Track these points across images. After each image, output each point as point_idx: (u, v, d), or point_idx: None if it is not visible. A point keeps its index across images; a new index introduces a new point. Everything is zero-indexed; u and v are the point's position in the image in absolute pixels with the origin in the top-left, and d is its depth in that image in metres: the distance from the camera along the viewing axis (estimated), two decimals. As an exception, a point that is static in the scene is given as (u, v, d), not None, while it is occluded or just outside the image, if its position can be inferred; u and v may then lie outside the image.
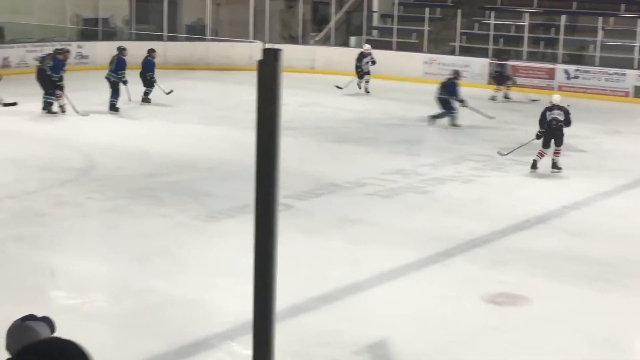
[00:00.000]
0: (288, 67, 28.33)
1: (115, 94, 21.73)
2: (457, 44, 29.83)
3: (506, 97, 25.58)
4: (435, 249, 11.53)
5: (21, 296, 9.26)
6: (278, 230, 2.57)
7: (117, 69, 21.92)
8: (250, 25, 31.99)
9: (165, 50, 30.82)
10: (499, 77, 25.96)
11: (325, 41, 32.33)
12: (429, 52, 29.74)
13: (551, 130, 15.92)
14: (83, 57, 29.66)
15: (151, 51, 23.48)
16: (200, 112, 21.96)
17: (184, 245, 11.50)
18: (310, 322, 8.98)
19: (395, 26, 31.38)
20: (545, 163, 16.00)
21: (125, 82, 22.01)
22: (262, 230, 2.15)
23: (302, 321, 8.93)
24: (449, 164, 16.52)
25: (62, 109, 20.98)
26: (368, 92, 25.77)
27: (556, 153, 16.01)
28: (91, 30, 31.33)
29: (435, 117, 20.69)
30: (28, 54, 27.44)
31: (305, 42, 32.38)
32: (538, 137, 16.09)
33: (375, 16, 33.53)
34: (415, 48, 30.39)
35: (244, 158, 15.94)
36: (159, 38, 31.08)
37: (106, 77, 21.99)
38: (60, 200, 13.31)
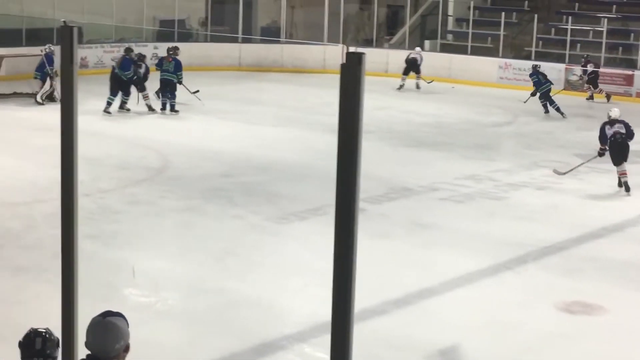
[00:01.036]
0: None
1: (173, 95, 21.88)
2: (532, 48, 29.49)
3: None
4: (507, 255, 11.42)
5: (95, 293, 9.36)
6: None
7: (176, 70, 22.05)
8: (324, 28, 32.05)
9: (240, 52, 31.06)
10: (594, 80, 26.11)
11: (399, 45, 32.23)
12: (503, 56, 29.48)
13: (617, 145, 15.02)
14: (159, 57, 29.97)
15: (175, 49, 23.01)
16: (274, 114, 22.03)
17: (256, 246, 11.56)
18: (383, 326, 8.95)
19: (470, 30, 31.16)
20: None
21: (181, 83, 22.15)
22: (342, 235, 2.14)
23: (374, 324, 8.90)
24: (523, 170, 16.35)
25: (126, 108, 21.49)
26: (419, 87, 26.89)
27: (623, 173, 15.04)
28: (167, 31, 31.66)
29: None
30: (105, 55, 27.87)
31: (379, 45, 32.31)
32: (600, 154, 15.22)
33: (450, 20, 33.34)
34: (490, 52, 30.16)
35: (316, 160, 16.15)
36: (234, 40, 31.30)
37: (165, 79, 22.02)
38: (134, 199, 13.47)
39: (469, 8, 31.69)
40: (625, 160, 14.98)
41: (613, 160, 15.05)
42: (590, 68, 26.09)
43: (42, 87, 22.39)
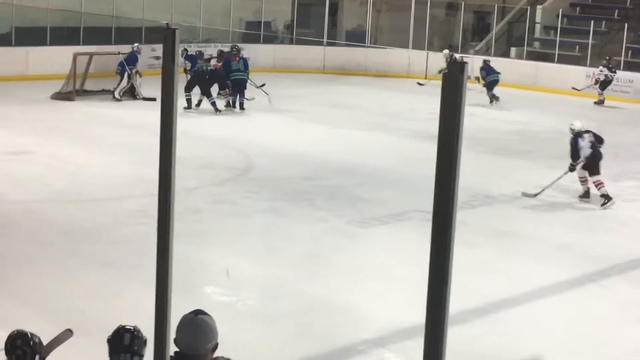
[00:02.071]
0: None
1: (243, 93, 22.15)
2: (622, 58, 29.00)
3: None
4: (592, 267, 11.24)
5: (176, 291, 9.47)
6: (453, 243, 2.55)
7: (245, 68, 22.33)
8: (410, 33, 31.96)
9: (325, 55, 31.15)
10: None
11: (485, 51, 31.99)
12: (591, 65, 29.04)
13: (594, 156, 14.58)
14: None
15: (239, 48, 23.38)
16: (358, 118, 22.03)
17: (337, 250, 11.58)
18: (463, 335, 8.87)
19: (558, 38, 30.76)
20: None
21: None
22: (439, 242, 2.12)
23: (454, 333, 8.75)
24: (610, 181, 16.05)
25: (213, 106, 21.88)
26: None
27: (600, 183, 14.57)
28: (253, 33, 31.93)
29: None
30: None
31: (464, 51, 32.11)
32: (572, 169, 14.67)
33: (538, 27, 32.96)
34: (578, 61, 29.74)
35: (400, 166, 16.14)
36: (319, 43, 31.42)
37: (238, 78, 22.29)
38: (218, 199, 13.60)
39: (557, 16, 31.28)
40: (599, 173, 14.61)
41: (590, 172, 14.64)
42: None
43: (119, 84, 22.90)
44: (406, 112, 23.06)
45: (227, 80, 22.15)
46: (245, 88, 22.21)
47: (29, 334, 5.17)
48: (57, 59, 24.32)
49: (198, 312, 4.38)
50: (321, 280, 10.39)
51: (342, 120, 21.56)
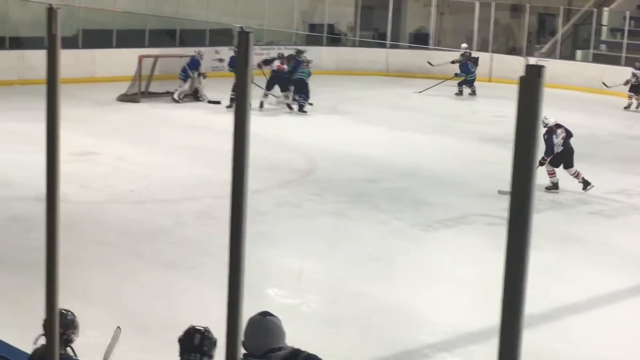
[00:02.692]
0: (508, 79, 27.94)
1: (307, 95, 22.29)
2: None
3: None
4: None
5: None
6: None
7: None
8: (474, 35, 31.74)
9: (387, 57, 31.07)
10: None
11: (550, 54, 31.64)
12: (658, 68, 28.54)
13: (569, 150, 15.02)
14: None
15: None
16: (420, 120, 21.92)
17: (399, 252, 11.55)
18: (528, 339, 8.72)
19: (625, 41, 30.32)
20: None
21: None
22: (514, 247, 2.10)
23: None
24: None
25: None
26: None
27: (577, 174, 15.02)
28: (316, 35, 31.96)
29: None
30: (256, 57, 28.30)
31: (529, 53, 31.79)
32: (542, 164, 14.69)
33: (604, 30, 32.52)
34: (645, 64, 29.25)
35: (463, 169, 16.04)
36: (382, 45, 31.35)
37: (301, 78, 22.42)
38: (281, 201, 13.64)
39: (624, 18, 30.84)
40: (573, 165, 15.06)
41: (565, 166, 15.03)
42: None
43: (181, 87, 23.16)
44: (469, 114, 22.90)
45: (289, 82, 22.35)
46: (308, 89, 22.32)
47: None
48: (123, 61, 24.60)
49: (266, 314, 4.38)
50: (384, 283, 10.36)
51: (404, 122, 21.46)
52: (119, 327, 5.89)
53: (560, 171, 14.99)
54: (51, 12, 3.29)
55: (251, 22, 29.30)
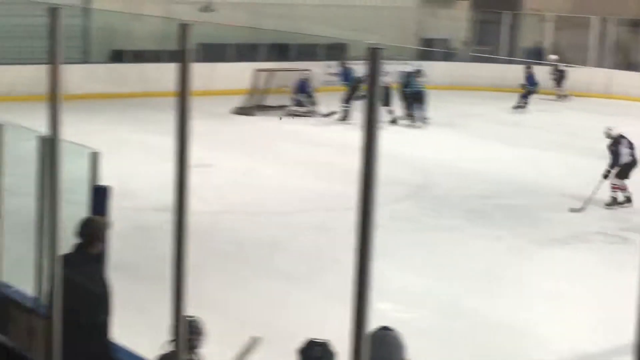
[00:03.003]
0: (624, 95, 27.36)
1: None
2: None
3: None
4: None
5: (348, 302, 9.54)
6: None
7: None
8: (589, 50, 31.18)
9: (503, 72, 30.74)
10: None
11: (671, 69, 30.83)
12: None
13: (634, 161, 14.50)
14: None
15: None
16: (538, 136, 21.58)
17: (515, 269, 11.41)
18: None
19: None
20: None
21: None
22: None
23: None
24: None
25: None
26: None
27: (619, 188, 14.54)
28: (430, 50, 31.85)
29: None
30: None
31: (649, 68, 31.06)
32: (606, 176, 14.42)
33: None
34: None
35: (583, 187, 15.68)
36: (497, 60, 31.04)
37: (420, 91, 22.47)
38: (396, 216, 13.60)
39: None
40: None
41: (624, 176, 14.48)
42: None
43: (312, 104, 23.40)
44: (588, 130, 22.47)
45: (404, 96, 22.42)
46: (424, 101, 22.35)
47: None
48: (239, 74, 24.96)
49: (386, 328, 4.37)
50: (499, 299, 10.25)
51: (520, 138, 21.20)
52: (256, 337, 5.97)
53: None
54: (183, 28, 3.38)
55: (364, 37, 29.36)
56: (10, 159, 8.39)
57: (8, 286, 8.08)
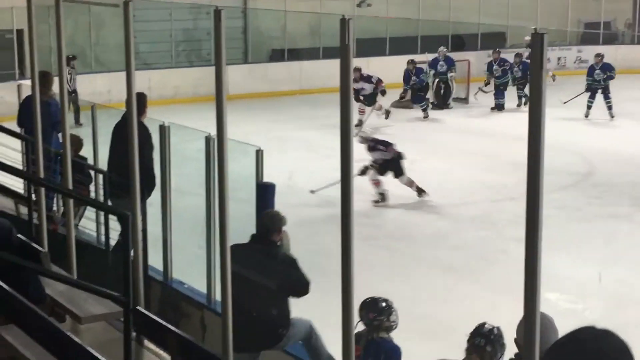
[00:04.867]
0: None
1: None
2: None
3: None
4: None
5: (518, 296, 9.41)
6: None
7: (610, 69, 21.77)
8: None
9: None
10: None
11: None
12: None
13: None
14: (582, 61, 29.44)
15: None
16: None
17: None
18: None
19: None
20: None
21: None
22: None
23: None
24: None
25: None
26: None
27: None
28: (591, 34, 31.05)
29: None
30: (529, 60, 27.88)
31: None
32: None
33: None
34: None
35: None
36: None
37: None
38: (561, 204, 13.32)
39: None
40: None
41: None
42: None
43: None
44: None
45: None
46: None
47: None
48: (396, 67, 24.94)
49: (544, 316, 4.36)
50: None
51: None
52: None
53: None
54: (344, 23, 3.41)
55: (523, 24, 28.88)
56: (177, 159, 8.66)
57: (181, 282, 8.36)
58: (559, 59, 29.08)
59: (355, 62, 25.25)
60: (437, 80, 23.36)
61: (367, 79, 20.31)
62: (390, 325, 6.12)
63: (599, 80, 21.23)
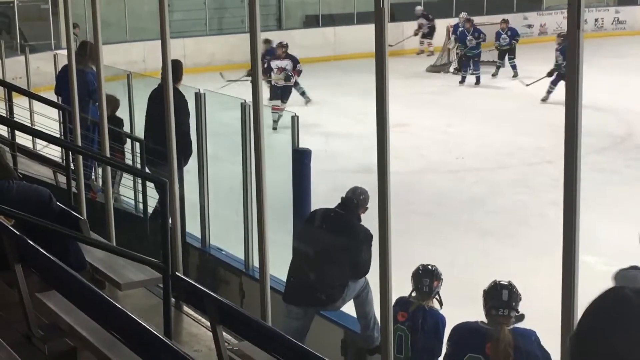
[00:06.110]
0: None
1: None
2: None
3: None
4: None
5: (558, 259, 9.37)
6: None
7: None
8: None
9: None
10: None
11: None
12: None
13: None
14: (620, 22, 29.09)
15: None
16: None
17: None
18: None
19: None
20: None
21: None
22: None
23: None
24: None
25: None
26: None
27: None
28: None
29: None
30: (564, 21, 27.51)
31: None
32: None
33: None
34: None
35: None
36: None
37: None
38: (598, 167, 13.21)
39: None
40: None
41: None
42: None
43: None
44: None
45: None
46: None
47: None
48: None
49: (636, 268, 4.45)
50: None
51: None
52: None
53: None
54: (379, -14, 3.39)
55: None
56: (213, 126, 8.68)
57: (219, 249, 8.41)
58: (595, 20, 28.70)
59: (394, 26, 25.21)
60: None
61: (293, 58, 18.09)
62: (438, 292, 6.24)
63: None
